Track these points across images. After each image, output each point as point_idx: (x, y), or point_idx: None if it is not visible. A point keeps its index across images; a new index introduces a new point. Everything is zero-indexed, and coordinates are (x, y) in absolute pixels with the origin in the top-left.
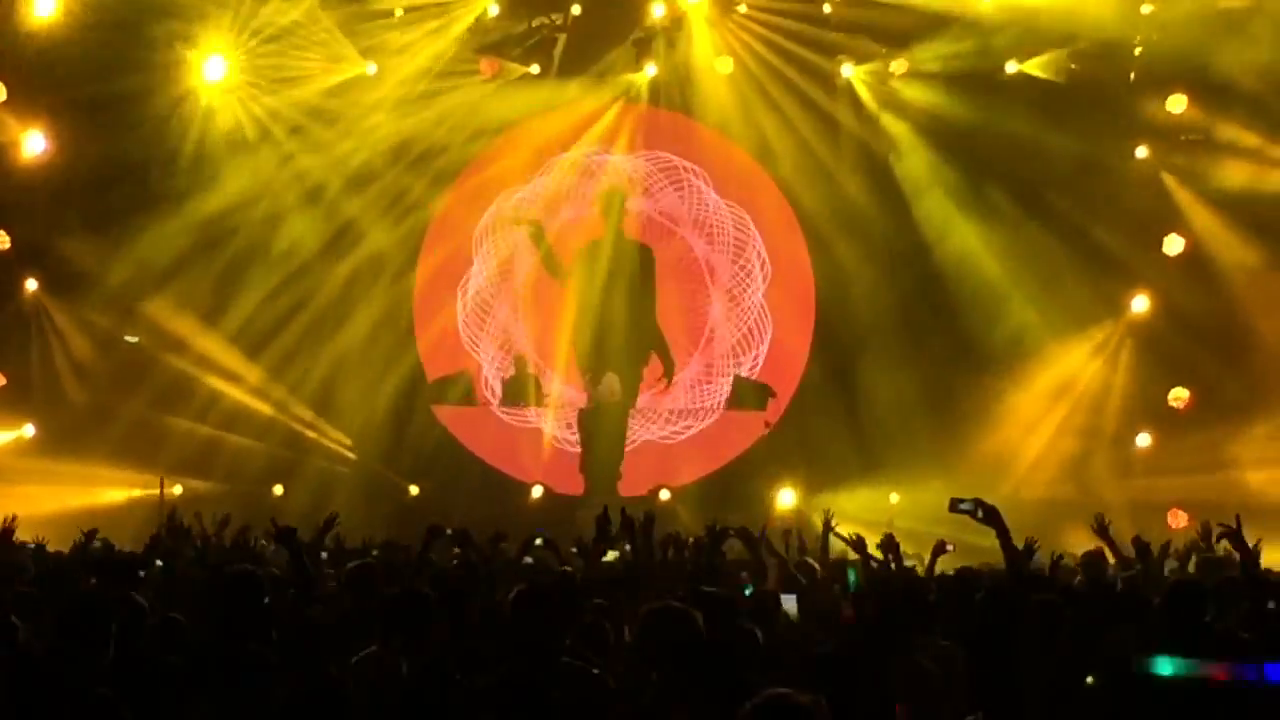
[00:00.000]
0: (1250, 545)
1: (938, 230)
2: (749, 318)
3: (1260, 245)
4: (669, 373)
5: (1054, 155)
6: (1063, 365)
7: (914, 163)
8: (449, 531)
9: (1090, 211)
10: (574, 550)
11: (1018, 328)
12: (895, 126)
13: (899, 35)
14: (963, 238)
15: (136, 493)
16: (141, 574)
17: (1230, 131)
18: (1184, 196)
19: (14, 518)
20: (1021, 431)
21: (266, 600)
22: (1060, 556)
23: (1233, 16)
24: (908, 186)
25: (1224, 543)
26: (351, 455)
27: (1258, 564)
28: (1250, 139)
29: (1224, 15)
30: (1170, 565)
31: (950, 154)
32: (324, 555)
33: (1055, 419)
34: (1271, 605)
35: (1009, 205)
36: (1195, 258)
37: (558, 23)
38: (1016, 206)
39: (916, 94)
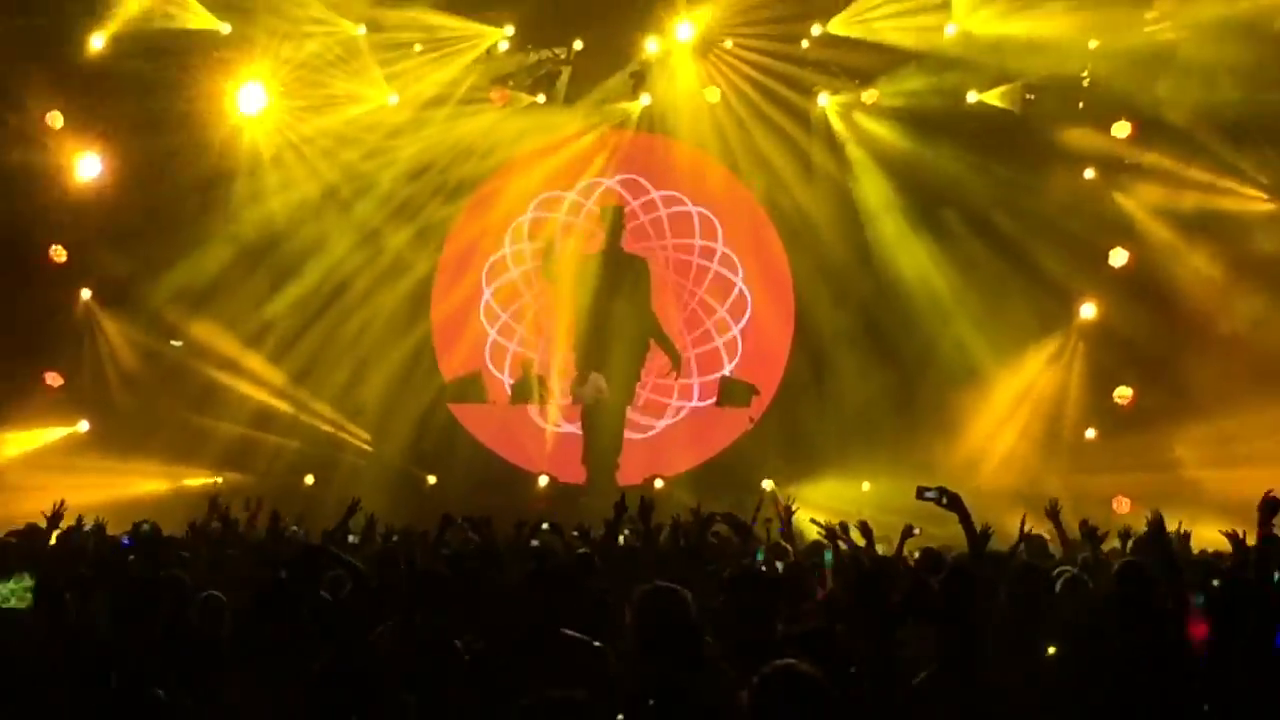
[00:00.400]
0: (1175, 532)
1: (899, 249)
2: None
3: (1198, 258)
4: (676, 363)
5: (1008, 178)
6: (1019, 369)
7: (879, 186)
8: (460, 520)
9: (1042, 228)
10: (575, 534)
11: (974, 336)
12: (864, 152)
13: (868, 71)
14: (922, 256)
15: (182, 484)
16: (186, 555)
17: (1165, 155)
18: (1128, 213)
19: (62, 502)
20: (981, 429)
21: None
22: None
23: (1163, 50)
24: (874, 208)
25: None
26: (369, 449)
27: (1172, 551)
28: (1180, 162)
29: (1157, 49)
30: (1111, 545)
31: (913, 179)
32: (351, 540)
33: (1011, 418)
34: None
35: (963, 226)
36: (1139, 269)
37: (561, 56)
38: (972, 227)
39: (884, 123)
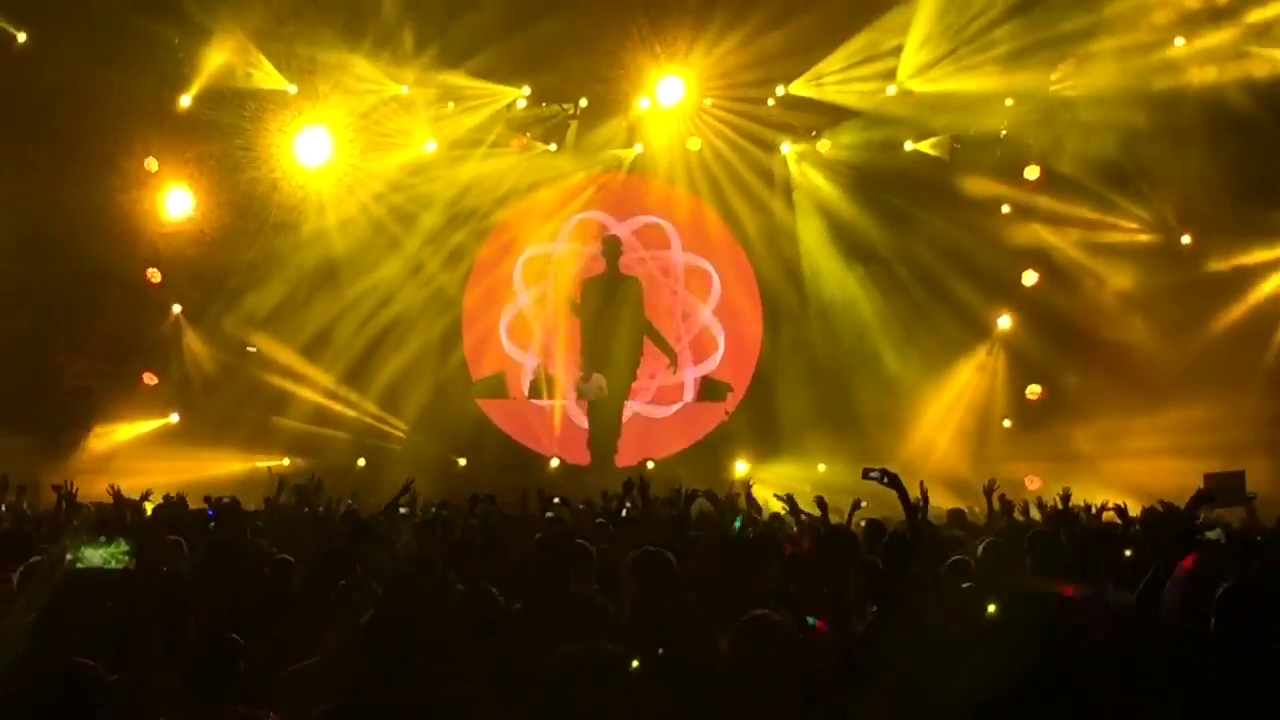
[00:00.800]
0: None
1: (848, 273)
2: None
3: (1093, 280)
4: (673, 360)
5: (938, 213)
6: (953, 372)
7: (834, 220)
8: (482, 497)
9: (966, 254)
10: (581, 507)
11: (910, 345)
12: (821, 191)
13: (822, 125)
14: (867, 279)
15: (255, 467)
16: (260, 524)
17: (1065, 194)
18: (1038, 242)
19: (112, 485)
20: (918, 423)
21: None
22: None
23: (1064, 107)
24: (830, 239)
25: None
26: (404, 437)
27: (1076, 520)
28: (1077, 201)
29: (1059, 106)
30: (1019, 516)
31: (860, 214)
32: (403, 511)
33: (946, 412)
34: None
35: (903, 252)
36: (1046, 288)
37: (569, 111)
38: (910, 253)
39: (836, 168)
